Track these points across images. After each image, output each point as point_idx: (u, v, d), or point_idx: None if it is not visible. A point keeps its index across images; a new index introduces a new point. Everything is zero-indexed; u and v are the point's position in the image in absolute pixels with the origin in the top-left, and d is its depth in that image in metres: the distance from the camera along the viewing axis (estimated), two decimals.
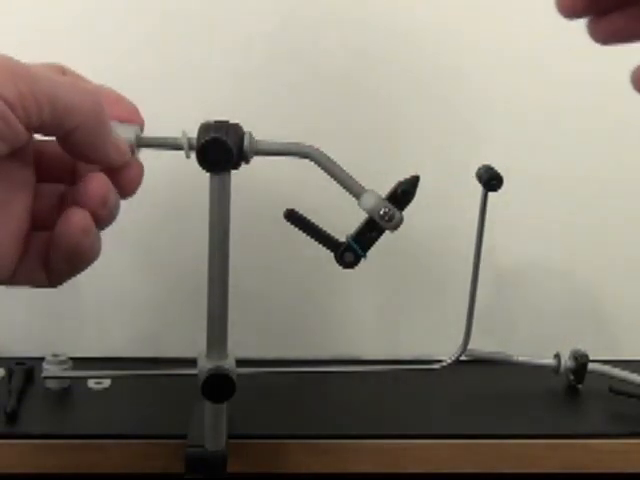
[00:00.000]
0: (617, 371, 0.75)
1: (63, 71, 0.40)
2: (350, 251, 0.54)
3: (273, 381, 0.72)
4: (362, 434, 0.67)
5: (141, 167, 0.40)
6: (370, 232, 0.53)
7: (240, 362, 0.56)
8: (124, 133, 0.40)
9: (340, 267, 0.54)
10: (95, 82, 0.40)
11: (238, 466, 0.63)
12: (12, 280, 0.37)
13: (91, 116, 0.35)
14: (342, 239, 0.54)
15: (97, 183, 0.36)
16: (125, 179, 0.39)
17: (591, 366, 0.75)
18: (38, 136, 0.36)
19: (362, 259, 0.54)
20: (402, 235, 0.52)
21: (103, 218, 0.37)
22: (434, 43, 0.75)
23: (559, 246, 0.81)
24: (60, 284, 0.38)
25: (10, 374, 0.72)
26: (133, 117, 0.41)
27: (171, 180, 0.74)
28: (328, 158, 0.50)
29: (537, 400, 0.75)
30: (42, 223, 0.38)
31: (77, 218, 0.35)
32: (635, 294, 0.83)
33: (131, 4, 0.72)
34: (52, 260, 0.37)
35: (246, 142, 0.47)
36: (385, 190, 0.53)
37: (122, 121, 0.40)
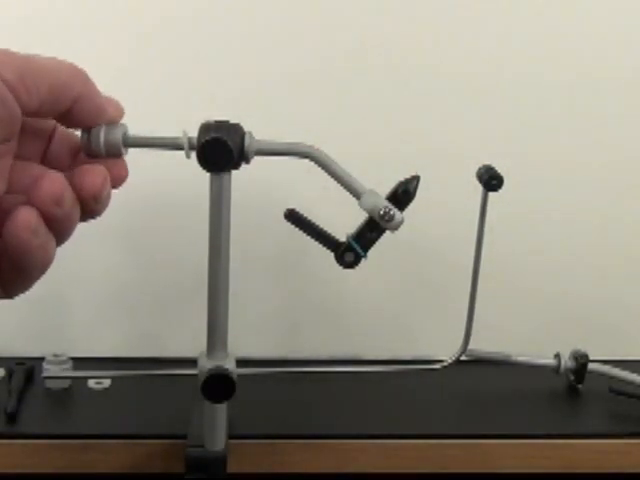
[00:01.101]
0: (617, 371, 0.75)
1: None
2: (350, 251, 0.54)
3: (273, 381, 0.72)
4: (362, 434, 0.67)
5: (125, 165, 0.40)
6: (370, 232, 0.53)
7: (240, 362, 0.56)
8: (112, 134, 0.39)
9: (340, 267, 0.54)
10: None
11: (238, 466, 0.63)
12: None
13: (82, 84, 0.35)
14: (342, 239, 0.54)
15: (50, 182, 0.34)
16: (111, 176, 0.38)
17: (591, 366, 0.75)
18: None
19: (362, 259, 0.54)
20: (402, 235, 0.52)
21: (57, 218, 0.34)
22: (433, 44, 0.75)
23: (559, 246, 0.81)
24: (16, 294, 0.35)
25: (10, 374, 0.72)
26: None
27: (171, 180, 0.74)
28: (328, 158, 0.50)
29: (537, 400, 0.75)
30: None
31: (24, 216, 0.33)
32: (635, 294, 0.83)
33: (132, 4, 0.72)
34: (2, 265, 0.34)
35: (246, 142, 0.47)
36: (385, 190, 0.53)
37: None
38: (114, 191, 0.39)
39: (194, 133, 0.46)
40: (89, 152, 0.39)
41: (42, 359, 0.71)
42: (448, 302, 0.80)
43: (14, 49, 0.34)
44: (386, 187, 0.53)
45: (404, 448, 0.67)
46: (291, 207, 0.55)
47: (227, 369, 0.54)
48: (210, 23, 0.73)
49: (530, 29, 0.76)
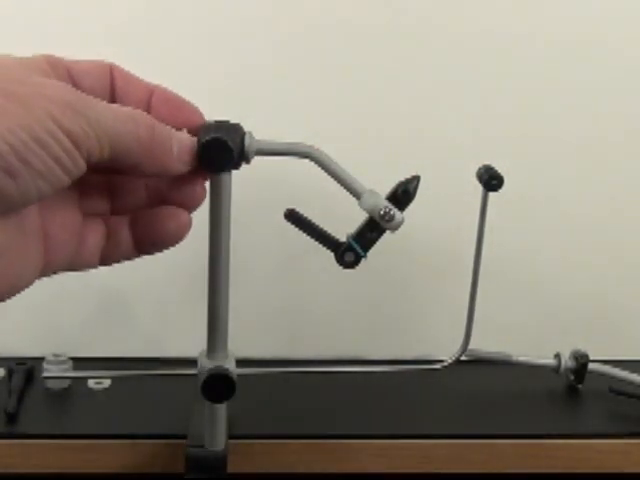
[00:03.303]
0: (617, 371, 0.75)
1: (111, 68, 0.40)
2: (351, 251, 0.54)
3: (273, 381, 0.72)
4: (362, 434, 0.67)
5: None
6: (371, 232, 0.53)
7: (240, 362, 0.56)
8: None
9: (340, 267, 0.54)
10: (149, 80, 0.41)
11: (238, 466, 0.63)
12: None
13: (150, 150, 0.36)
14: (342, 239, 0.54)
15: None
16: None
17: (591, 366, 0.75)
18: None
19: (363, 259, 0.54)
20: (402, 235, 0.52)
21: None
22: (433, 44, 0.75)
23: (559, 246, 0.81)
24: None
25: (10, 374, 0.72)
26: (194, 120, 0.41)
27: None
28: (328, 158, 0.50)
29: (537, 400, 0.75)
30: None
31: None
32: (635, 294, 0.83)
33: (132, 4, 0.72)
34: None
35: (246, 142, 0.47)
36: (385, 190, 0.53)
37: (180, 128, 0.40)
38: None
39: None
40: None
41: (42, 359, 0.71)
42: (448, 302, 0.80)
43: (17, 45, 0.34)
44: (386, 187, 0.53)
45: (404, 448, 0.67)
46: (291, 207, 0.55)
47: (227, 369, 0.54)
48: (210, 22, 0.73)
49: (531, 28, 0.76)
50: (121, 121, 0.34)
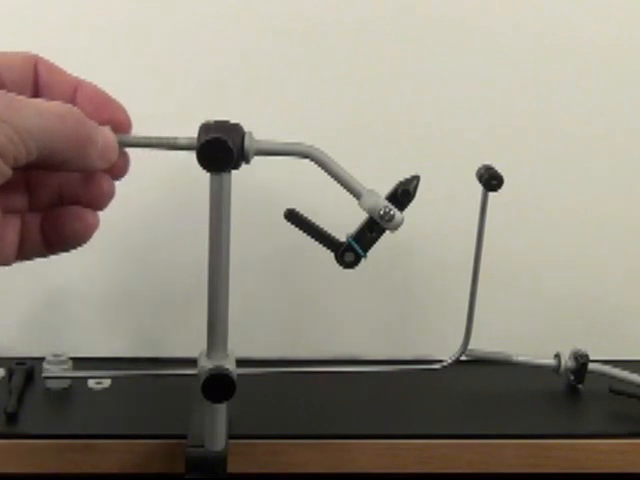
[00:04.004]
0: (617, 371, 0.75)
1: (36, 61, 0.39)
2: (350, 251, 0.54)
3: (273, 381, 0.72)
4: (362, 434, 0.67)
5: (126, 158, 0.41)
6: (370, 232, 0.53)
7: (240, 362, 0.56)
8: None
9: (340, 267, 0.54)
10: (75, 75, 0.40)
11: (238, 466, 0.63)
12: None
13: (78, 146, 0.35)
14: (342, 239, 0.54)
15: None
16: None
17: (591, 366, 0.75)
18: None
19: (362, 259, 0.54)
20: (402, 235, 0.52)
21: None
22: (433, 44, 0.75)
23: (559, 247, 0.81)
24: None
25: (10, 374, 0.72)
26: (118, 117, 0.41)
27: (171, 180, 0.74)
28: (328, 158, 0.50)
29: (537, 400, 0.75)
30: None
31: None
32: (635, 294, 0.83)
33: (132, 2, 0.72)
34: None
35: (246, 142, 0.47)
36: (385, 190, 0.53)
37: (105, 124, 0.39)
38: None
39: (194, 133, 0.46)
40: None
41: (42, 359, 0.71)
42: (448, 302, 0.80)
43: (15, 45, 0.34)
44: (386, 187, 0.53)
45: (404, 448, 0.67)
46: (291, 207, 0.55)
47: (227, 369, 0.54)
48: (210, 23, 0.73)
49: (532, 29, 0.76)
50: (49, 120, 0.34)
